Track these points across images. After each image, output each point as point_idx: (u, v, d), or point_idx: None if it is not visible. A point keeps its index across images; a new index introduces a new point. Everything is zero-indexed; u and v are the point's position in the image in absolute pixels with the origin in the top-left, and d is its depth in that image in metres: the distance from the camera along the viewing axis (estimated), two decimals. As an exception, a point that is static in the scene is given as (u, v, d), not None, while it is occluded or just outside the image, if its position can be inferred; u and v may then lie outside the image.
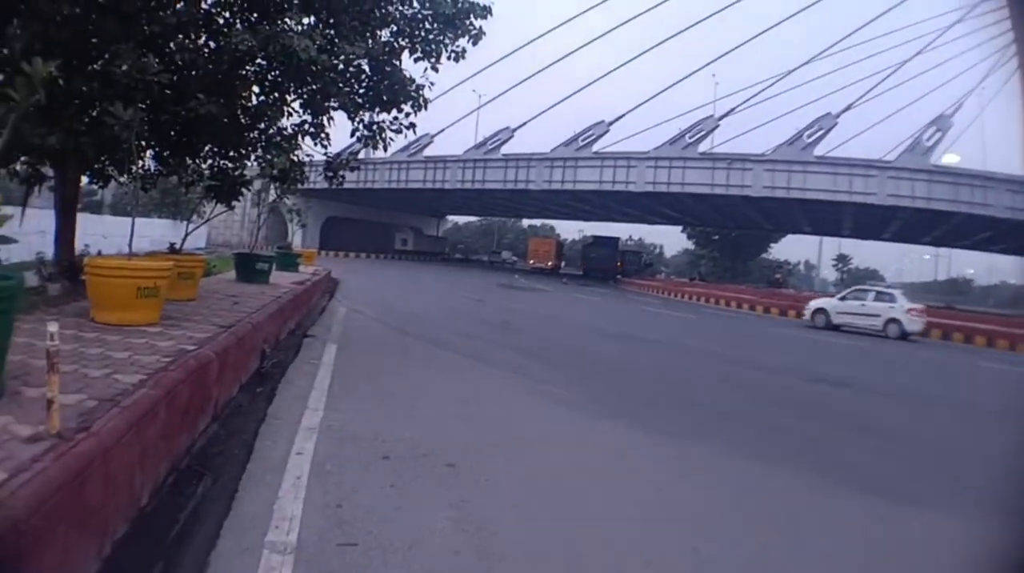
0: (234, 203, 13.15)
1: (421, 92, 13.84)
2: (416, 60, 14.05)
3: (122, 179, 12.18)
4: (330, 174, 14.94)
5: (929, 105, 47.66)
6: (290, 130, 14.02)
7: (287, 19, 11.39)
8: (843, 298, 31.94)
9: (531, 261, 77.55)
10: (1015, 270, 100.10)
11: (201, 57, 11.58)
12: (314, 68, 11.18)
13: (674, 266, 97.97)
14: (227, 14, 12.14)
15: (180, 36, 11.38)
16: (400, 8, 13.68)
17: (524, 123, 50.97)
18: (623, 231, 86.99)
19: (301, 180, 14.86)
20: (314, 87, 12.69)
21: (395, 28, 13.79)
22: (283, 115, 13.60)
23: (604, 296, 42.28)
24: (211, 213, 14.09)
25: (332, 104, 13.67)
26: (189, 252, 13.56)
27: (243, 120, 12.91)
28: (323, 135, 14.19)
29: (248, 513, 4.67)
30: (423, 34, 13.90)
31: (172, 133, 11.80)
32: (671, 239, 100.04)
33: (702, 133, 45.88)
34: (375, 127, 14.26)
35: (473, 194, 55.36)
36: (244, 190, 13.14)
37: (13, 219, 5.06)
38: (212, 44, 12.00)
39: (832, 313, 31.33)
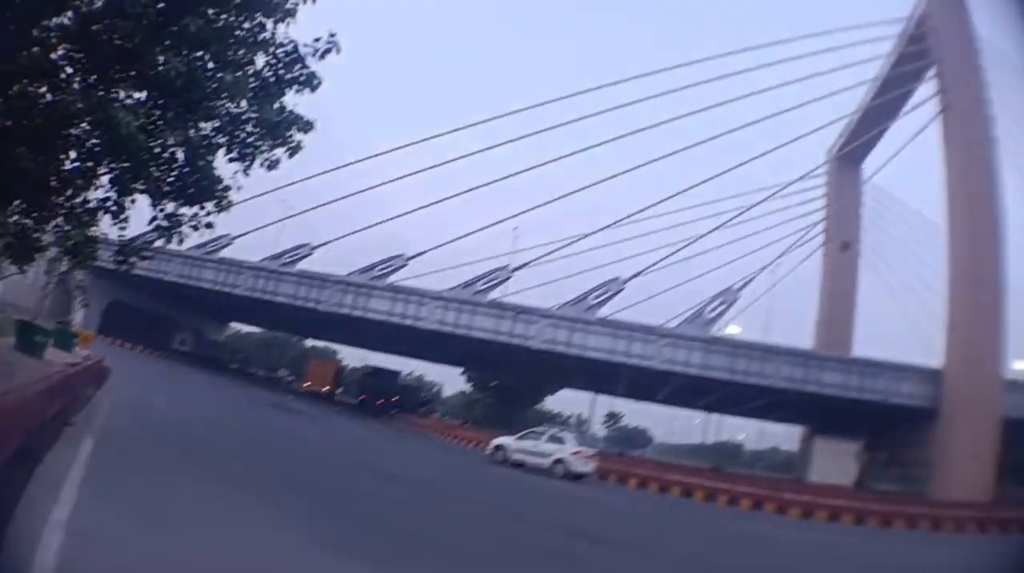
0: (25, 267, 13.06)
1: (227, 194, 14.08)
2: (230, 160, 14.15)
3: None
4: (120, 258, 14.78)
5: (720, 278, 50.14)
6: (94, 204, 13.92)
7: (120, 89, 11.68)
8: (520, 437, 33.25)
9: (308, 383, 75.72)
10: (785, 437, 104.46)
11: (36, 107, 11.62)
12: (131, 145, 11.27)
13: (450, 407, 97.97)
14: (71, 69, 12.22)
15: (25, 80, 11.45)
16: (228, 106, 13.80)
17: (326, 243, 52.02)
18: (406, 366, 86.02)
19: (93, 257, 14.81)
20: (126, 165, 12.69)
21: (217, 124, 13.91)
22: (91, 187, 13.59)
23: (376, 430, 42.13)
24: (5, 272, 13.76)
25: (139, 186, 13.53)
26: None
27: (54, 183, 12.82)
28: (123, 217, 14.11)
29: None
30: (243, 136, 14.04)
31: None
32: (451, 380, 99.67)
33: (495, 281, 47.43)
34: (174, 219, 14.19)
35: (261, 305, 55.19)
36: (39, 254, 13.02)
37: None
38: (49, 97, 11.99)
39: (509, 450, 32.47)
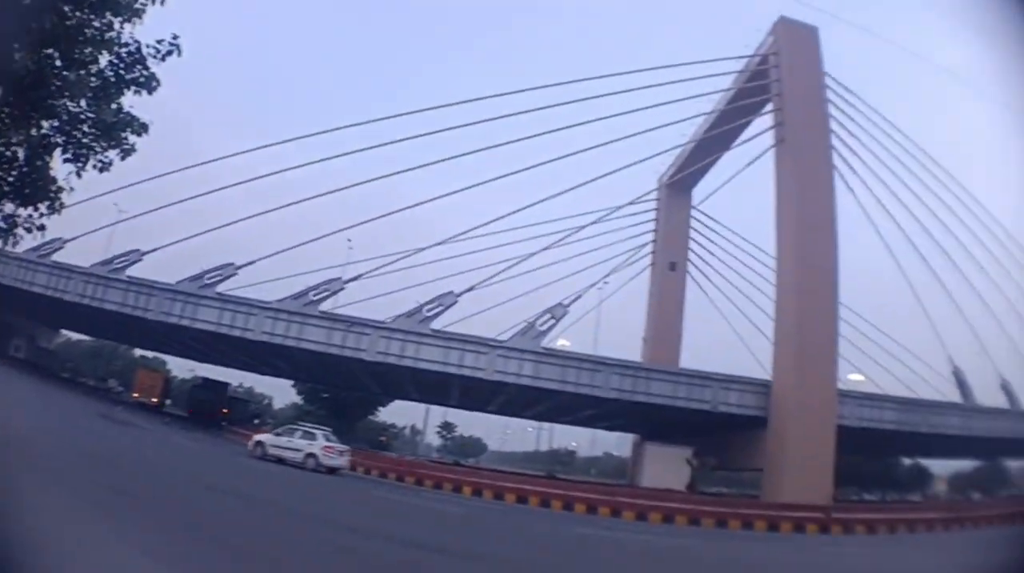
0: None
1: (59, 195, 13.32)
2: (65, 161, 13.42)
3: None
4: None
5: (551, 293, 50.95)
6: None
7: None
8: (278, 434, 36.70)
9: (136, 394, 72.14)
10: (617, 444, 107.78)
11: None
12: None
13: (282, 419, 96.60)
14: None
15: None
16: (68, 105, 13.15)
17: (154, 249, 48.94)
18: (235, 378, 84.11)
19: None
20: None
21: (56, 123, 13.22)
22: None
23: (203, 442, 41.71)
24: None
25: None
26: None
27: None
28: None
29: None
30: (79, 136, 13.37)
31: None
32: (281, 392, 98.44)
33: (327, 293, 46.50)
34: (10, 220, 13.40)
35: (90, 312, 51.76)
36: None
37: None
38: None
39: (268, 445, 35.11)
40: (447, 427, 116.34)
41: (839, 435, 43.93)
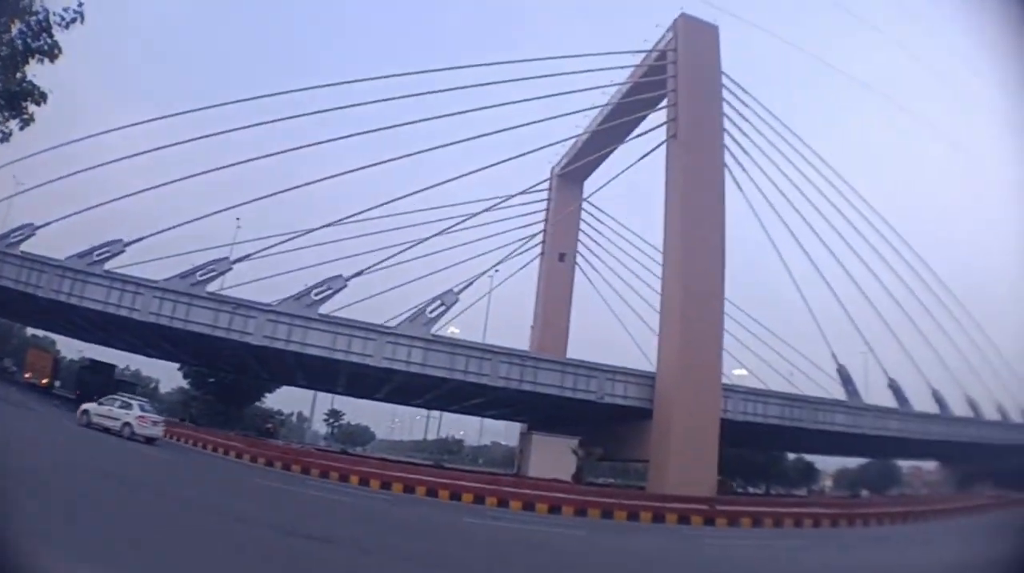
0: None
1: None
2: None
3: None
4: None
5: (442, 279, 50.91)
6: None
7: None
8: (100, 404, 37.63)
9: (28, 374, 70.97)
10: (506, 433, 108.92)
11: None
12: None
13: (168, 403, 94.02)
14: None
15: None
16: None
17: (48, 223, 47.25)
18: (122, 360, 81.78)
19: None
20: None
21: None
22: None
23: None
24: None
25: None
26: None
27: None
28: None
29: None
30: None
31: None
32: (168, 375, 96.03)
33: (214, 273, 45.41)
34: None
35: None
36: None
37: None
38: None
39: (92, 414, 36.81)
40: (334, 414, 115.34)
41: (724, 429, 45.46)
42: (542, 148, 56.85)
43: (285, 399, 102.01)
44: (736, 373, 56.86)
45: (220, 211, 48.11)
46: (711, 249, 49.57)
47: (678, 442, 43.80)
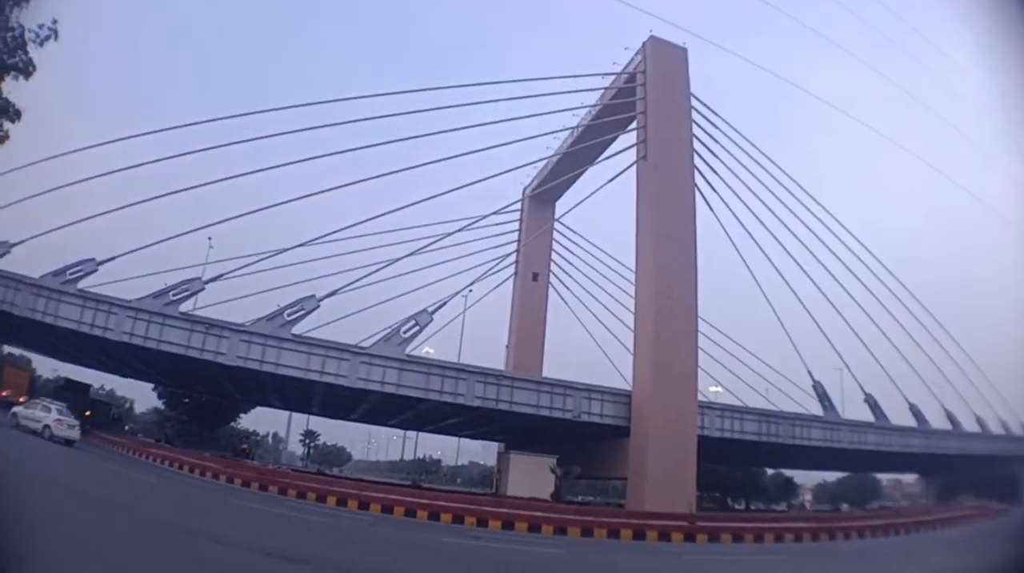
0: None
1: None
2: None
3: None
4: None
5: (416, 299, 50.92)
6: None
7: None
8: (26, 407, 40.89)
9: (4, 393, 68.13)
10: (483, 452, 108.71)
11: None
12: None
13: (143, 424, 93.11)
14: None
15: None
16: None
17: (23, 241, 46.81)
18: (97, 379, 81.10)
19: None
20: None
21: None
22: None
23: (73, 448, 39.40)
24: None
25: None
26: None
27: None
28: None
29: None
30: None
31: None
32: (142, 395, 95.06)
33: (187, 293, 45.01)
34: None
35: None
36: None
37: None
38: None
39: (20, 417, 39.53)
40: (310, 435, 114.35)
41: (701, 445, 45.59)
42: (513, 170, 57.44)
43: (260, 419, 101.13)
44: (712, 390, 57.25)
45: (192, 231, 47.92)
46: (683, 268, 49.82)
47: (655, 459, 43.87)
